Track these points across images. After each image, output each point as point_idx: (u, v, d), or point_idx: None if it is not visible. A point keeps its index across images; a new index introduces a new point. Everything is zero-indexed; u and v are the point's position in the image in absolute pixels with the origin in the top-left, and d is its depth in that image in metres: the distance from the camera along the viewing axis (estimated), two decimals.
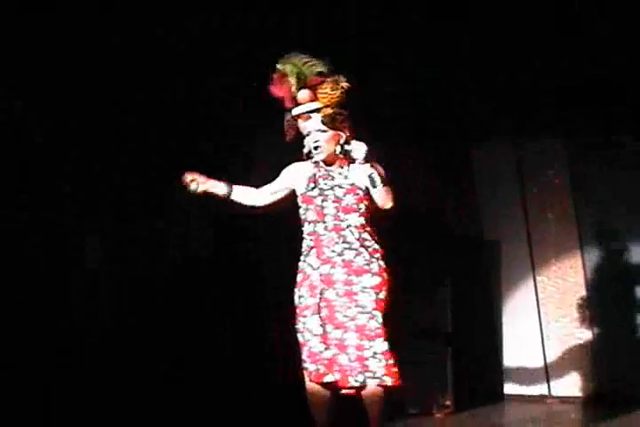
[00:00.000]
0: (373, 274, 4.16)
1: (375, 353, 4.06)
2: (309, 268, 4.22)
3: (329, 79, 4.20)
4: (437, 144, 6.81)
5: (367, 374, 4.07)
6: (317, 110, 4.18)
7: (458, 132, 6.94)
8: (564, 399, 6.67)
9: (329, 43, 5.87)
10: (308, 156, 4.26)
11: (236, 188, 4.35)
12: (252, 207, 4.40)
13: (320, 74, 4.19)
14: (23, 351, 5.33)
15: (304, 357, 4.18)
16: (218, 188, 4.33)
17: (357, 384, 4.09)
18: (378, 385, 4.08)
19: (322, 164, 4.27)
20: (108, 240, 5.97)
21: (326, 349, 4.12)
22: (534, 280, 6.85)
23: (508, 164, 6.97)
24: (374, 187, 4.14)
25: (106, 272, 5.89)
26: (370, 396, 4.12)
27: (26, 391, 5.25)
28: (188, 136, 5.99)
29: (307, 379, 4.19)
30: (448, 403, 6.34)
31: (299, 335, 4.20)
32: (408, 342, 6.07)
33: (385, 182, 4.17)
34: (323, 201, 4.22)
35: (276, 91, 4.23)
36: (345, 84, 4.21)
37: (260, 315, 6.26)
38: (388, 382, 4.07)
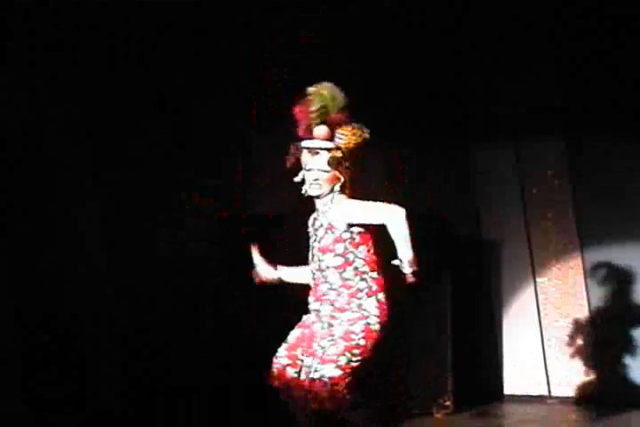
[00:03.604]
0: (353, 311, 4.17)
1: (322, 376, 4.03)
2: (309, 303, 4.32)
3: (355, 124, 4.18)
4: (437, 144, 6.81)
5: (311, 396, 4.06)
6: (328, 150, 4.17)
7: (458, 131, 6.94)
8: (563, 400, 6.68)
9: (329, 39, 5.91)
10: (301, 186, 4.28)
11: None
12: None
13: (344, 111, 4.17)
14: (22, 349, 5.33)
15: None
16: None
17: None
18: (319, 409, 4.08)
19: (316, 201, 4.28)
20: (109, 238, 5.95)
21: (287, 357, 4.19)
22: (534, 281, 6.85)
23: (508, 164, 6.97)
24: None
25: (106, 270, 5.88)
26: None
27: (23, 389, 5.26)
28: (189, 137, 5.98)
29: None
30: (448, 403, 6.35)
31: None
32: (408, 341, 6.08)
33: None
34: (313, 241, 4.29)
35: (298, 114, 4.19)
36: (367, 135, 4.20)
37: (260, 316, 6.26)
38: (329, 406, 4.05)
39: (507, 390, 6.91)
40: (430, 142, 6.72)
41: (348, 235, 4.18)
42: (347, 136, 4.15)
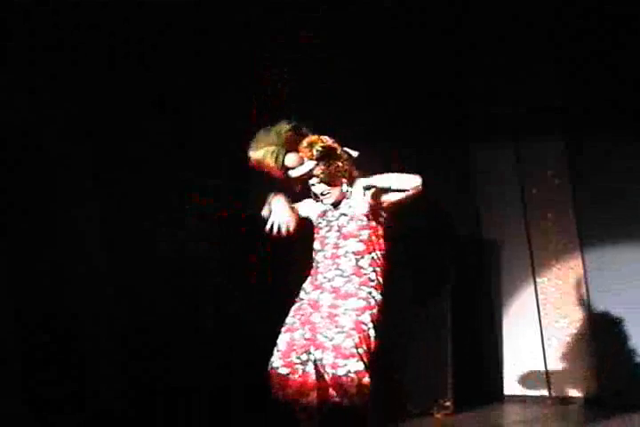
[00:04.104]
0: (359, 298, 4.21)
1: (349, 372, 4.05)
2: (303, 292, 4.36)
3: (303, 134, 4.30)
4: (437, 144, 6.81)
5: (339, 392, 4.07)
6: (311, 171, 4.29)
7: (458, 131, 6.94)
8: (564, 400, 6.68)
9: (329, 39, 5.90)
10: (316, 197, 4.39)
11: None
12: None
13: (289, 131, 4.27)
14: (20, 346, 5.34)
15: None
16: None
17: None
18: (348, 404, 4.08)
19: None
20: (109, 238, 5.95)
21: (284, 366, 4.18)
22: (534, 281, 6.85)
23: (508, 164, 6.97)
24: (371, 187, 4.19)
25: (106, 270, 5.88)
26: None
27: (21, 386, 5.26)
28: (189, 137, 5.99)
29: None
30: (448, 404, 6.34)
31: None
32: (408, 342, 6.08)
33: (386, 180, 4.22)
34: (327, 231, 4.37)
35: (263, 170, 4.31)
36: (308, 134, 4.30)
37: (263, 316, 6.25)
38: (358, 401, 4.06)
39: (507, 391, 6.91)
40: (430, 142, 6.72)
41: (373, 223, 4.30)
42: (308, 149, 4.28)
